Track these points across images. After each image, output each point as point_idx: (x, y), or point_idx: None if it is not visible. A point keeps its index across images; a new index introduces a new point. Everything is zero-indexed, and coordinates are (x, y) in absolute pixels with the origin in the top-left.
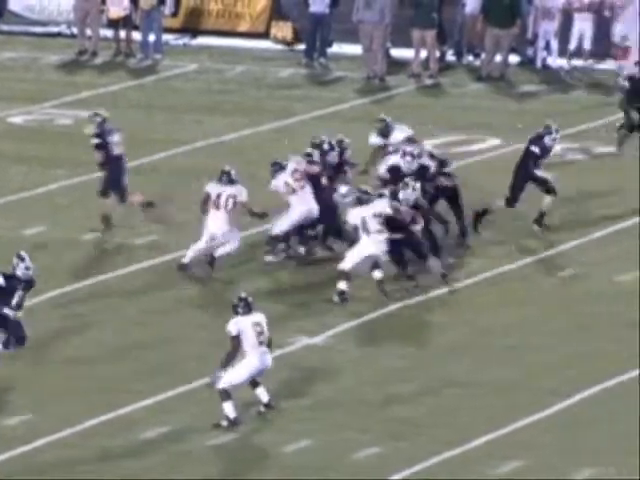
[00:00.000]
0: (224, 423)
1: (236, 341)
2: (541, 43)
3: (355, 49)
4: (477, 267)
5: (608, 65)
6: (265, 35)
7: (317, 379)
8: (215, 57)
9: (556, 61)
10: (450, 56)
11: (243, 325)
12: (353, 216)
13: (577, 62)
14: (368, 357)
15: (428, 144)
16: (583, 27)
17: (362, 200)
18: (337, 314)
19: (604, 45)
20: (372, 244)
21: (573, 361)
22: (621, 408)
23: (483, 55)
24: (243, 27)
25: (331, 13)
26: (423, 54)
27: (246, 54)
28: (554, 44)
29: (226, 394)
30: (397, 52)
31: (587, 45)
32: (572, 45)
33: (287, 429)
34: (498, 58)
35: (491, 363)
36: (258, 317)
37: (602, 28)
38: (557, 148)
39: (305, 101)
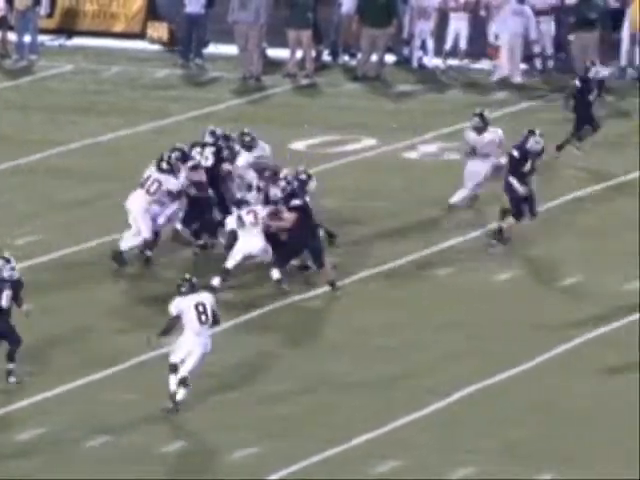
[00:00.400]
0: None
1: (174, 321)
2: (417, 42)
3: (231, 49)
4: (356, 266)
5: (483, 65)
6: (141, 36)
7: (192, 379)
8: (91, 58)
9: (432, 61)
10: (326, 56)
11: (184, 305)
12: (229, 220)
13: (453, 62)
14: (245, 357)
15: (304, 144)
16: (459, 27)
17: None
18: None
19: (480, 45)
20: (249, 240)
21: (451, 360)
22: (498, 407)
23: (359, 55)
24: (118, 28)
25: (207, 13)
26: (299, 54)
27: (122, 55)
28: (430, 43)
29: (173, 367)
30: (273, 52)
31: (463, 45)
32: (448, 45)
33: (161, 430)
34: (374, 58)
35: (370, 362)
36: (202, 297)
37: (478, 28)
38: (433, 148)
39: (181, 102)
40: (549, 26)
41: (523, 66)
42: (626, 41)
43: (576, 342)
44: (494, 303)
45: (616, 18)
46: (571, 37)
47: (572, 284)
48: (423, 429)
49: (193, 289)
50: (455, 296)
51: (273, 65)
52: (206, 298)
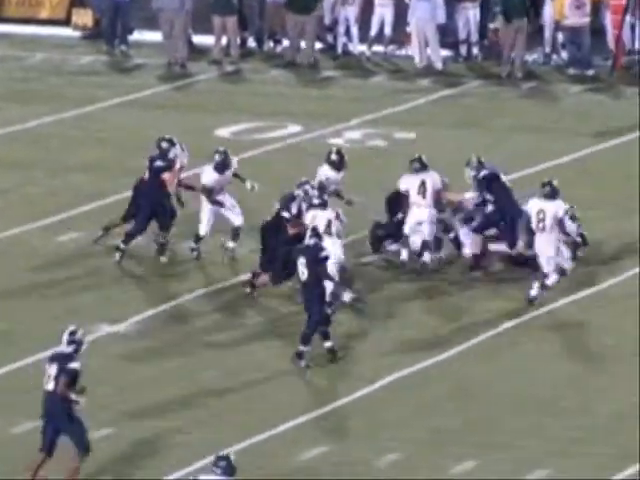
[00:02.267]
0: None
1: None
2: (341, 29)
3: (156, 36)
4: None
5: (408, 51)
6: (66, 22)
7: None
8: (16, 45)
9: (357, 47)
10: (251, 42)
11: None
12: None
13: (378, 48)
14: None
15: (229, 131)
16: (383, 13)
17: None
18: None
19: (404, 31)
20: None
21: (376, 348)
22: (423, 395)
23: (286, 42)
24: (43, 14)
25: (131, 0)
26: (224, 41)
27: (47, 41)
28: (354, 30)
29: None
30: (198, 39)
31: (388, 31)
32: (373, 31)
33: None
34: (302, 45)
35: (293, 349)
36: None
37: (402, 14)
38: (357, 134)
39: (106, 88)
40: (475, 13)
41: (447, 53)
42: (549, 27)
43: (499, 329)
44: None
45: (537, 5)
46: (497, 24)
47: None
48: (349, 416)
49: None
50: None
51: (198, 52)
52: None
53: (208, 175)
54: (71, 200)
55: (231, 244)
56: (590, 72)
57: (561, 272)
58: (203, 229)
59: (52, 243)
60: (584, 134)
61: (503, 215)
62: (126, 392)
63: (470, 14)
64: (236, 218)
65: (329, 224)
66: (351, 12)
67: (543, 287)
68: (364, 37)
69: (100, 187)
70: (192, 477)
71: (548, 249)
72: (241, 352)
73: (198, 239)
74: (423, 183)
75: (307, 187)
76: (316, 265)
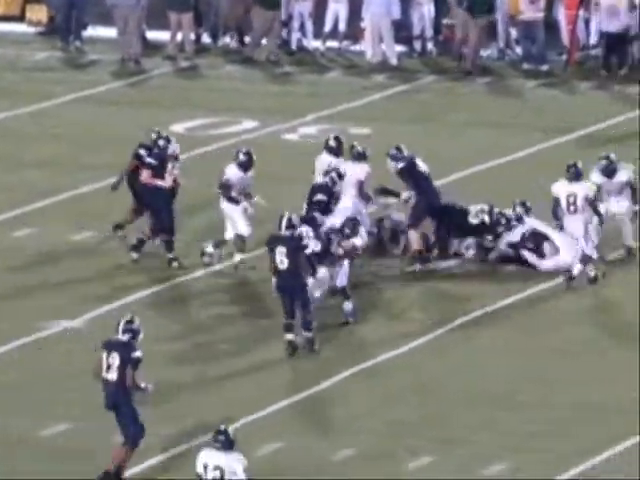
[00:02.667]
0: None
1: None
2: (295, 24)
3: (110, 32)
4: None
5: (362, 47)
6: (20, 18)
7: None
8: None
9: (311, 43)
10: (206, 38)
11: None
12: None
13: (332, 44)
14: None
15: (184, 126)
16: (337, 8)
17: None
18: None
19: (358, 27)
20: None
21: (329, 342)
22: (378, 389)
23: (248, 38)
24: None
25: None
26: (179, 37)
27: (1, 38)
28: (309, 25)
29: None
30: (153, 35)
31: (342, 27)
32: (327, 27)
33: None
34: (264, 41)
35: (254, 344)
36: None
37: (356, 10)
38: (313, 130)
39: (62, 84)
40: (429, 8)
41: (402, 48)
42: (502, 23)
43: (455, 323)
44: None
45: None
46: (453, 20)
47: None
48: (304, 411)
49: None
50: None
51: (153, 47)
52: None
53: (231, 171)
54: (26, 196)
55: (211, 249)
56: (544, 67)
57: (586, 259)
58: (228, 234)
59: (7, 239)
60: (539, 129)
61: (429, 203)
62: (87, 387)
63: (425, 9)
64: (245, 227)
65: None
66: (305, 7)
67: (569, 279)
68: (318, 32)
69: (55, 183)
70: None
71: (579, 230)
72: (202, 346)
73: (220, 243)
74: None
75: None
76: (297, 254)
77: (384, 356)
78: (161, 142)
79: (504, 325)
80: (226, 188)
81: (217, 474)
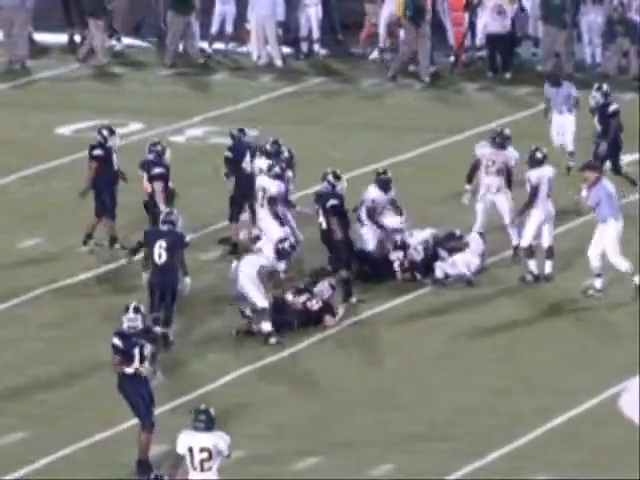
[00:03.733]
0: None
1: None
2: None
3: None
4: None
5: (249, 48)
6: None
7: None
8: None
9: (197, 44)
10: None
11: None
12: None
13: (219, 45)
14: (12, 341)
15: (71, 128)
16: (224, 10)
17: None
18: None
19: (244, 29)
20: None
21: (217, 344)
22: (267, 390)
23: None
24: None
25: None
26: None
27: None
28: (195, 27)
29: None
30: (40, 37)
31: (229, 29)
32: (214, 28)
33: None
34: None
35: None
36: None
37: (243, 12)
38: (199, 132)
39: None
40: (317, 10)
41: (288, 50)
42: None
43: (344, 324)
44: None
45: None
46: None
47: None
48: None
49: None
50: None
51: (40, 50)
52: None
53: (274, 185)
54: None
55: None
56: (431, 69)
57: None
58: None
59: None
60: (425, 131)
61: None
62: None
63: (311, 11)
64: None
65: None
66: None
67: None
68: (205, 34)
69: None
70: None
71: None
72: (82, 345)
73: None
74: None
75: None
76: (176, 250)
77: (278, 356)
78: (159, 148)
79: (390, 327)
80: (274, 201)
81: (205, 455)
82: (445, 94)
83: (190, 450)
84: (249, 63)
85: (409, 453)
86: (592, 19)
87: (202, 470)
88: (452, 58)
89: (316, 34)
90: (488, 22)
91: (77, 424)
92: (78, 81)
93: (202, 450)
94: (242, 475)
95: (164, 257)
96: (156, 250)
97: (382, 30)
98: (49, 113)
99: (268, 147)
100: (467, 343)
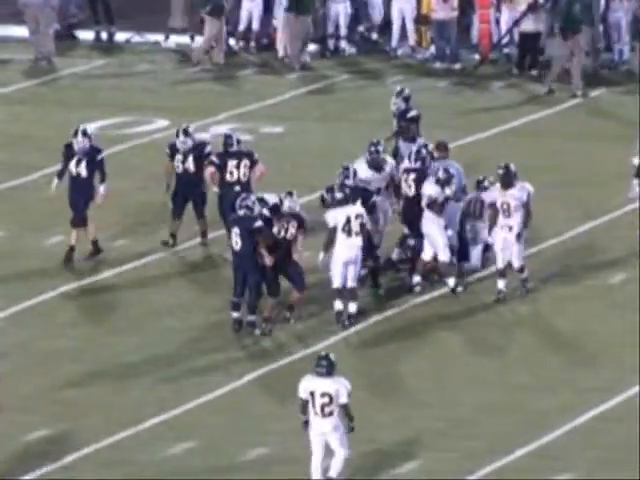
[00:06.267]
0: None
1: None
2: None
3: (22, 31)
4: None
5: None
6: None
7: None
8: None
9: (225, 41)
10: (120, 37)
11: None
12: None
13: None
14: (36, 339)
15: (96, 126)
16: (251, 7)
17: None
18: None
19: (272, 26)
20: None
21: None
22: (287, 389)
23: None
24: None
25: None
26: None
27: None
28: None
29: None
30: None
31: (255, 26)
32: (241, 26)
33: None
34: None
35: (157, 344)
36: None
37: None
38: (224, 129)
39: None
40: (345, 6)
41: (315, 47)
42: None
43: (370, 321)
44: None
45: None
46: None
47: None
48: (214, 411)
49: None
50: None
51: (66, 47)
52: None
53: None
54: None
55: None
56: (457, 66)
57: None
58: None
59: None
60: (452, 128)
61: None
62: None
63: (340, 8)
64: None
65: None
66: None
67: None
68: (231, 31)
69: None
70: None
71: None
72: (105, 346)
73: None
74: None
75: None
76: (250, 235)
77: (293, 357)
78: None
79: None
80: None
81: (326, 400)
82: (471, 91)
83: (312, 394)
84: (275, 60)
85: (433, 451)
86: (619, 16)
87: (323, 415)
88: (477, 55)
89: (343, 31)
90: (522, 21)
91: (101, 422)
92: (103, 78)
93: (323, 395)
94: (264, 475)
95: (239, 244)
96: (233, 237)
97: (410, 26)
98: (74, 110)
99: None
100: (489, 341)
